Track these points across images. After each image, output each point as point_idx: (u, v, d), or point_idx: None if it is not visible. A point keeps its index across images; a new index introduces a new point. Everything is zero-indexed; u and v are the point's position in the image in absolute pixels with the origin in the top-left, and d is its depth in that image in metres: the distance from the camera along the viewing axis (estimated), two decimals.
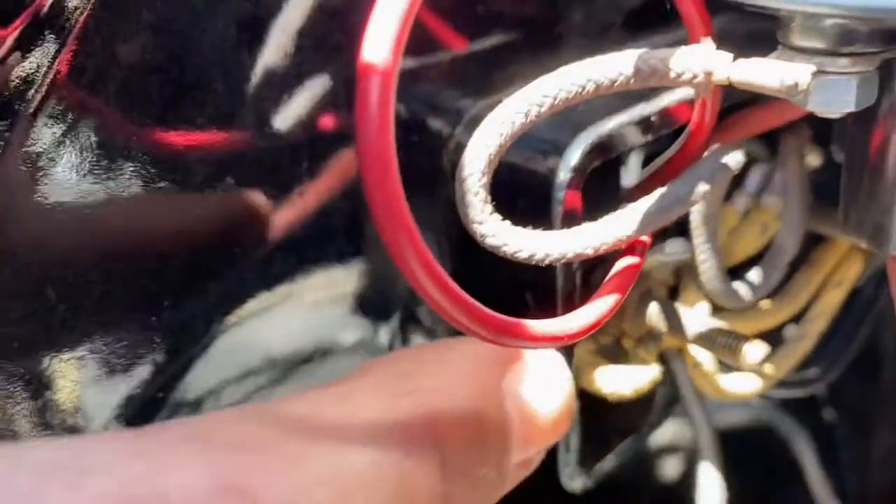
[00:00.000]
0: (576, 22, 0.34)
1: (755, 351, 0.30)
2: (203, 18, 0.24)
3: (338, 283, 0.32)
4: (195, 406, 0.28)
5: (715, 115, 0.29)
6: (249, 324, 0.28)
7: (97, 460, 0.14)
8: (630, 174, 0.33)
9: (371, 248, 0.32)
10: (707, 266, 0.32)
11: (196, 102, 0.25)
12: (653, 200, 0.26)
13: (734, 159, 0.26)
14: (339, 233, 0.31)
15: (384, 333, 0.34)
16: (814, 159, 0.38)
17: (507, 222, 0.23)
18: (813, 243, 0.43)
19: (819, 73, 0.22)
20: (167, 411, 0.27)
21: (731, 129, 0.36)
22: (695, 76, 0.22)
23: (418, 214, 0.19)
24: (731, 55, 0.23)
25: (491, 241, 0.23)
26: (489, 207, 0.23)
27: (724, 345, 0.30)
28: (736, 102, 0.34)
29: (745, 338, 0.30)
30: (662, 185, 0.27)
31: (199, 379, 0.28)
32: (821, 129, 0.37)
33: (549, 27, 0.33)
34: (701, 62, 0.22)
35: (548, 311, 0.29)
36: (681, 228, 0.34)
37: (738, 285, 0.35)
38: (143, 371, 0.26)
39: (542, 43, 0.33)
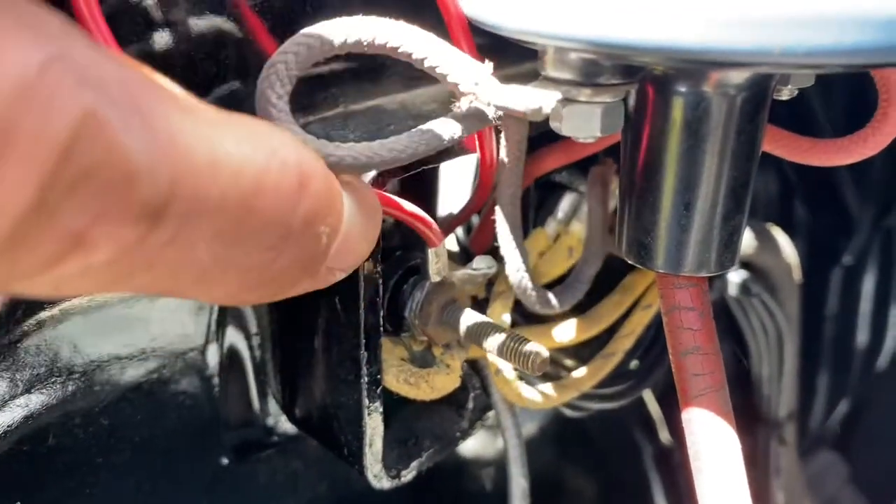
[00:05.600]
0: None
1: (537, 351, 0.32)
2: None
3: None
4: None
5: (492, 150, 0.32)
6: None
7: None
8: None
9: None
10: (517, 274, 0.34)
11: None
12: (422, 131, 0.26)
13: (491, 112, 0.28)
14: None
15: None
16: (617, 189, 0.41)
17: None
18: (626, 271, 0.47)
19: (567, 101, 0.26)
20: None
21: (540, 161, 0.39)
22: (462, 86, 0.25)
23: None
24: (497, 82, 0.25)
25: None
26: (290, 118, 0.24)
27: (510, 348, 0.32)
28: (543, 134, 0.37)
29: (527, 340, 0.32)
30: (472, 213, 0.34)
31: None
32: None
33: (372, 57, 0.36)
34: (472, 75, 0.25)
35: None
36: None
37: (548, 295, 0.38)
38: None
39: (365, 71, 0.36)
